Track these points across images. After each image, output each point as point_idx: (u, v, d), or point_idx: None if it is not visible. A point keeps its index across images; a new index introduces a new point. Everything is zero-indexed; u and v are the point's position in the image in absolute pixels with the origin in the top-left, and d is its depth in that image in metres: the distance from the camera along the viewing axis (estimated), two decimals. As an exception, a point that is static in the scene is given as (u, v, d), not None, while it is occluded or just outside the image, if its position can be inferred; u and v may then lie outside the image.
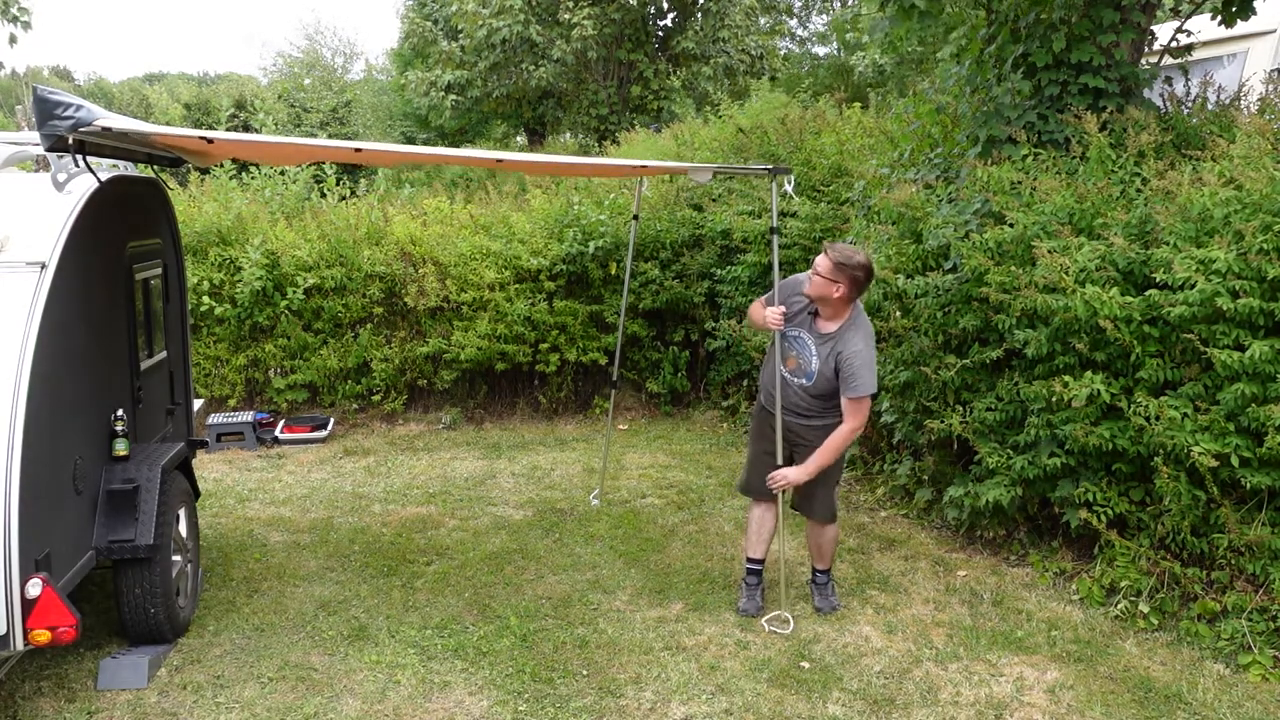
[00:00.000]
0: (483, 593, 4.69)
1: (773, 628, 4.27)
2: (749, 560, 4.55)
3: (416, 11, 23.70)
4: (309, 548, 5.30)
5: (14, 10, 8.65)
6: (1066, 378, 4.30)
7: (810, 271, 4.11)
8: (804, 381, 4.19)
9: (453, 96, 21.27)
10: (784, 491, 4.32)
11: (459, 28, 20.69)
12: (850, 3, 24.83)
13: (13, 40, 8.84)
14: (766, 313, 4.23)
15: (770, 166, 4.42)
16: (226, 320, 7.60)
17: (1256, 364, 3.81)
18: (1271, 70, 6.99)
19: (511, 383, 8.22)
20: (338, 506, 6.02)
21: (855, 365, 4.01)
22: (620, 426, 7.90)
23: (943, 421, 4.92)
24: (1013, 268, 4.61)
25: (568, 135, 23.19)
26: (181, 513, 4.28)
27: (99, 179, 3.80)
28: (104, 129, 3.16)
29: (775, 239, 4.47)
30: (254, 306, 7.58)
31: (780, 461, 4.27)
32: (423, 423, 7.93)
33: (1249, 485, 3.88)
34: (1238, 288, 3.88)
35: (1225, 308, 3.87)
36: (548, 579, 4.86)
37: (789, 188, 4.50)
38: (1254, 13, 5.50)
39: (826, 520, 4.44)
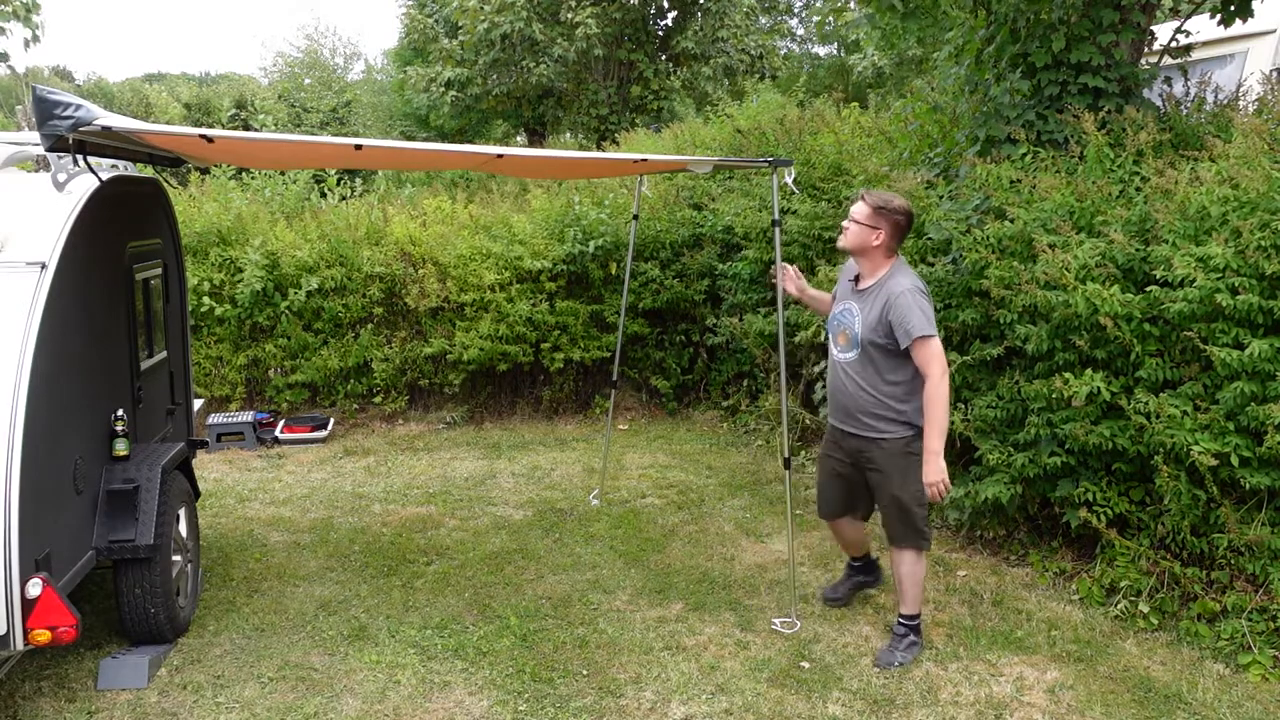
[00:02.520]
0: (483, 593, 4.69)
1: (774, 627, 4.27)
2: (850, 559, 4.52)
3: (417, 9, 23.67)
4: (309, 548, 5.30)
5: (27, 16, 8.73)
6: (1067, 375, 4.30)
7: (845, 221, 3.84)
8: (851, 355, 3.85)
9: (452, 93, 21.23)
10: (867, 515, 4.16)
11: (459, 24, 20.66)
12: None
13: (27, 44, 8.96)
14: (788, 272, 4.14)
15: (771, 158, 4.42)
16: (227, 320, 7.61)
17: (1256, 362, 3.81)
18: (1271, 70, 7.00)
19: (512, 382, 8.23)
20: (338, 506, 6.02)
21: (906, 304, 3.64)
22: (620, 426, 7.90)
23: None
24: (1014, 263, 4.62)
25: (568, 135, 23.17)
26: (181, 513, 4.28)
27: (99, 178, 3.80)
28: (104, 128, 3.16)
29: (778, 231, 4.47)
30: (254, 306, 7.59)
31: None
32: (423, 423, 7.93)
33: (1248, 485, 3.88)
34: (1236, 284, 3.88)
35: (1224, 304, 3.87)
36: (548, 579, 4.86)
37: (789, 179, 4.49)
38: (1253, 14, 5.50)
39: (904, 544, 3.96)
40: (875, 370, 3.80)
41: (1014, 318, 4.62)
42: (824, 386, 6.60)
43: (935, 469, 3.67)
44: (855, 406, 3.89)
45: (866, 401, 3.85)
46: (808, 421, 6.96)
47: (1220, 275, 3.92)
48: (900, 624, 4.04)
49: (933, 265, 5.18)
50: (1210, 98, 5.64)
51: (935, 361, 3.65)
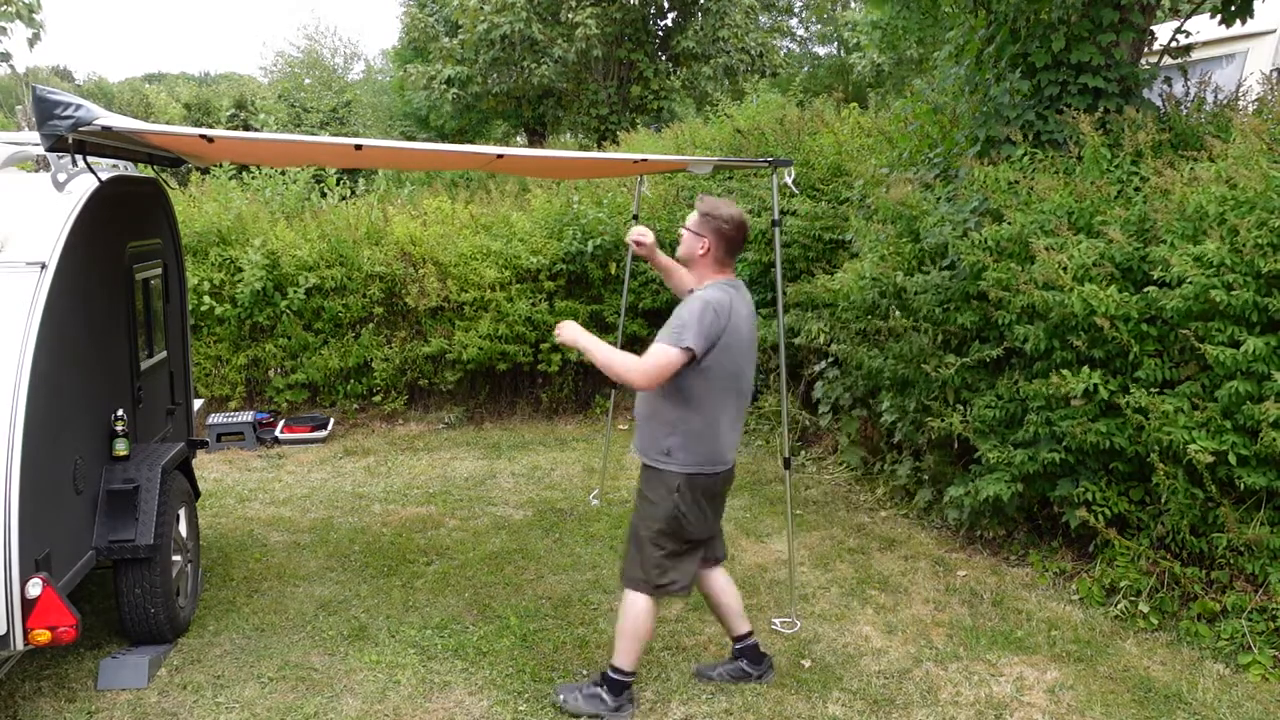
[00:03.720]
0: (483, 593, 4.69)
1: (774, 627, 4.27)
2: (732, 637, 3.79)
3: (417, 9, 23.68)
4: (309, 548, 5.30)
5: (30, 16, 8.82)
6: (1065, 372, 4.30)
7: (681, 228, 3.51)
8: None
9: (453, 91, 21.23)
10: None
11: (459, 24, 20.67)
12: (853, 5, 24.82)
13: (31, 43, 9.06)
14: (640, 234, 3.75)
15: (771, 159, 4.42)
16: (227, 320, 7.61)
17: (1252, 361, 3.81)
18: (1271, 70, 7.00)
19: (512, 382, 8.23)
20: (338, 506, 6.02)
21: (688, 310, 3.26)
22: (620, 426, 7.89)
23: (943, 420, 4.92)
24: (1011, 265, 4.62)
25: (568, 135, 23.18)
26: (181, 513, 4.28)
27: (99, 178, 3.80)
28: (104, 128, 3.16)
29: (777, 231, 4.47)
30: (254, 306, 7.59)
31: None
32: (423, 423, 7.93)
33: (1244, 485, 3.88)
34: (1232, 281, 3.89)
35: (1220, 300, 3.87)
36: (548, 579, 4.86)
37: (789, 179, 4.48)
38: (1253, 14, 5.50)
39: (630, 582, 3.49)
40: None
41: (1012, 319, 4.62)
42: (824, 385, 6.61)
43: (570, 328, 3.41)
44: (639, 416, 3.52)
45: (643, 411, 3.49)
46: (807, 422, 6.96)
47: (1215, 272, 3.92)
48: (605, 672, 3.56)
49: (928, 273, 5.18)
50: (1210, 98, 5.64)
51: (654, 366, 3.23)
